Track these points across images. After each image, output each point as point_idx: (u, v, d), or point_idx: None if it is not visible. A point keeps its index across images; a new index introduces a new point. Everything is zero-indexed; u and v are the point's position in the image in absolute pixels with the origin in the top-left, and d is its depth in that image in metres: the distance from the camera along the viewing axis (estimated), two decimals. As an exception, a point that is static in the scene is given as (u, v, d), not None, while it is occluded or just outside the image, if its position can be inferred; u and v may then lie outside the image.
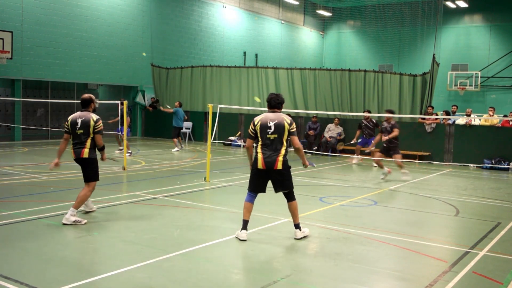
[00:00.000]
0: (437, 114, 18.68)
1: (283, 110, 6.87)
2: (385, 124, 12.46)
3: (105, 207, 8.28)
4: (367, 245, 6.58)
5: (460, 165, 15.80)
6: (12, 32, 18.03)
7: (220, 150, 18.78)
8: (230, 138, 20.59)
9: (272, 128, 6.47)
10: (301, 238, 6.69)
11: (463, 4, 29.72)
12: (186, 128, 22.04)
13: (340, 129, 18.11)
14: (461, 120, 16.76)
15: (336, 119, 18.16)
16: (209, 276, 5.21)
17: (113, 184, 10.64)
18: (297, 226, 6.71)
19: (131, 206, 8.48)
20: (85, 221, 7.15)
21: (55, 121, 21.27)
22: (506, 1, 29.89)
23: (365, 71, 18.93)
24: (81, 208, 7.64)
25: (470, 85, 29.78)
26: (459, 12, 31.21)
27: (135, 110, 23.78)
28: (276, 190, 6.75)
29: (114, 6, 22.32)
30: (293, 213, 6.71)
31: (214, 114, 15.37)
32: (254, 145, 6.67)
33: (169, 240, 6.49)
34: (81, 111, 7.49)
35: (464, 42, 31.76)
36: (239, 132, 20.87)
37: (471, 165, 15.66)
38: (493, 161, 15.42)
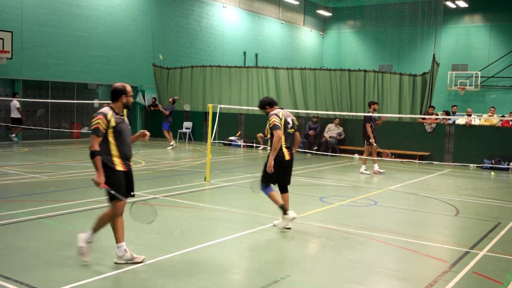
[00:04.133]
0: (437, 114, 18.67)
1: (286, 110, 7.41)
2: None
3: (105, 207, 8.26)
4: (367, 245, 6.58)
5: (460, 165, 15.79)
6: (12, 32, 18.03)
7: (220, 150, 18.78)
8: (230, 138, 20.59)
9: (290, 123, 7.26)
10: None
11: (463, 4, 29.70)
12: (186, 128, 22.04)
13: (340, 129, 18.12)
14: (461, 120, 16.75)
15: (337, 119, 18.17)
16: (209, 276, 5.21)
17: (113, 184, 10.62)
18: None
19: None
20: None
21: (55, 121, 21.26)
22: (506, 1, 29.86)
23: (365, 71, 18.92)
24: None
25: (470, 85, 29.74)
26: (459, 12, 31.19)
27: (135, 110, 23.77)
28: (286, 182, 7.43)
29: (114, 6, 22.32)
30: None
31: (214, 114, 15.38)
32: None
33: (169, 240, 6.49)
34: None
35: (464, 42, 31.75)
36: (239, 132, 20.87)
37: (471, 165, 15.66)
38: (493, 161, 15.41)
